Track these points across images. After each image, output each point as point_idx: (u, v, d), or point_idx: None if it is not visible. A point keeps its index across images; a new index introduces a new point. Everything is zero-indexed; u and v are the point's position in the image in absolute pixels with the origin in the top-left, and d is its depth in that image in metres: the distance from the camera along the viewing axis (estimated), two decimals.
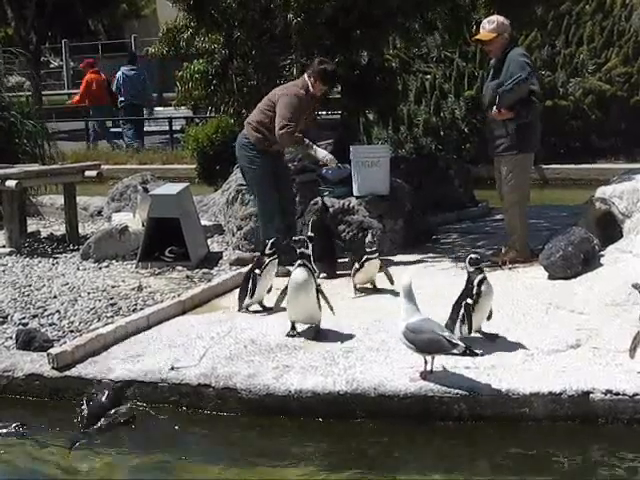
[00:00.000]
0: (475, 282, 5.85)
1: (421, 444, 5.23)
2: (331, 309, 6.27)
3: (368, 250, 7.19)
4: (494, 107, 7.55)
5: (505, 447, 5.13)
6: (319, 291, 6.22)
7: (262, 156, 8.00)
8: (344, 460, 5.08)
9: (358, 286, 7.29)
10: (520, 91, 7.47)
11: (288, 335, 6.24)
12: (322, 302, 6.22)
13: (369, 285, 7.32)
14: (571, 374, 5.41)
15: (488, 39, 7.66)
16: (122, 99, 19.67)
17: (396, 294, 6.56)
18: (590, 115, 15.09)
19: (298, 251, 6.31)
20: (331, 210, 8.42)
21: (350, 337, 6.19)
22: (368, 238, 7.44)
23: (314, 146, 8.06)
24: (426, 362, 5.45)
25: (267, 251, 6.90)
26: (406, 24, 9.97)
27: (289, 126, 7.73)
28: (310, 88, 7.95)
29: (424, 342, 5.34)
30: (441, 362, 5.52)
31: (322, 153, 8.08)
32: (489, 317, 5.98)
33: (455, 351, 5.31)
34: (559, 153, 14.46)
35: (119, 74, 19.74)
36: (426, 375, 5.44)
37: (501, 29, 7.62)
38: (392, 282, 7.05)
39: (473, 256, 5.97)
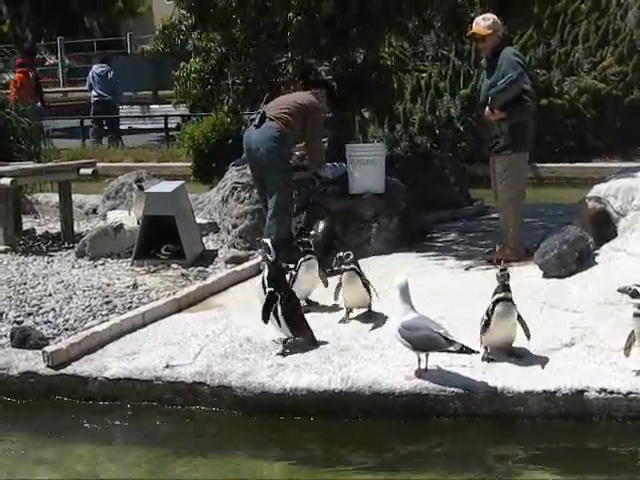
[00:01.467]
0: (493, 299, 5.69)
1: (416, 442, 5.24)
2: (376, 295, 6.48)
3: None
4: (487, 108, 7.57)
5: (500, 445, 5.15)
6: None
7: (290, 152, 8.17)
8: (340, 458, 5.10)
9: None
10: (512, 91, 7.47)
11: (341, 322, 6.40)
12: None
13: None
14: (565, 372, 5.43)
15: (484, 34, 7.68)
16: (95, 96, 20.01)
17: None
18: (585, 114, 15.10)
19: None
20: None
21: (345, 335, 6.19)
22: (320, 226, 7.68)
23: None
24: (420, 360, 5.46)
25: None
26: (403, 22, 9.98)
27: (319, 142, 8.14)
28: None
29: (420, 340, 5.35)
30: (436, 360, 5.54)
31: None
32: (527, 335, 5.72)
33: (452, 348, 5.31)
34: (554, 152, 14.46)
35: (90, 72, 20.21)
36: (421, 373, 5.45)
37: (496, 27, 7.65)
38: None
39: (498, 273, 5.71)
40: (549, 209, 10.23)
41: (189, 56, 10.19)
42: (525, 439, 5.21)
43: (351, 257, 6.49)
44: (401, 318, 5.39)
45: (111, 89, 19.98)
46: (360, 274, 6.48)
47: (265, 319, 5.99)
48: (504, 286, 5.64)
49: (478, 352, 5.55)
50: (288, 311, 5.98)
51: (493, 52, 7.66)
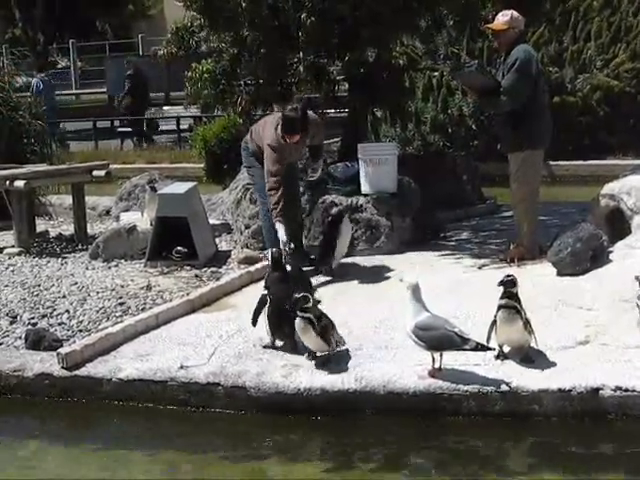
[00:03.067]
0: (497, 304, 5.65)
1: (430, 441, 5.23)
2: None
3: None
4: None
5: (516, 443, 5.14)
6: None
7: (261, 165, 7.84)
8: (354, 457, 5.09)
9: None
10: (469, 76, 7.78)
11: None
12: None
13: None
14: (580, 371, 5.41)
15: (499, 29, 7.66)
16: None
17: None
18: (598, 111, 15.04)
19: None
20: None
21: (358, 335, 6.18)
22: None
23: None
24: (434, 360, 5.45)
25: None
26: (415, 22, 9.96)
27: (274, 183, 7.47)
28: (281, 140, 7.60)
29: (435, 339, 5.34)
30: (450, 359, 5.53)
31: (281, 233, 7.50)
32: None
33: (467, 347, 5.31)
34: (567, 150, 14.41)
35: (34, 81, 19.66)
36: (435, 373, 5.44)
37: (514, 23, 7.62)
38: None
39: (505, 279, 5.67)
40: (563, 207, 10.20)
41: (201, 57, 10.20)
42: (540, 438, 5.19)
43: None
44: (414, 318, 5.37)
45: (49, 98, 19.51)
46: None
47: (254, 322, 6.12)
48: (507, 293, 5.59)
49: (494, 349, 5.54)
50: (274, 314, 6.01)
51: (509, 48, 7.64)
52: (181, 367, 5.83)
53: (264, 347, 6.05)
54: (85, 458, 5.35)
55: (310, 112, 7.96)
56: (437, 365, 5.45)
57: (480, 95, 7.90)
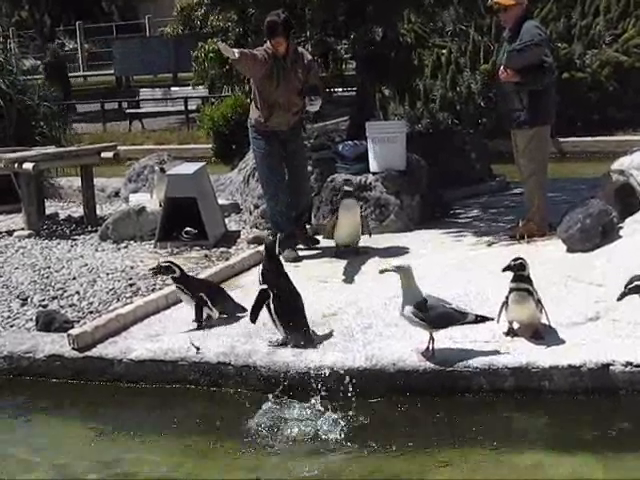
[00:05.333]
0: (509, 287, 5.61)
1: (442, 418, 5.24)
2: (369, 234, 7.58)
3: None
4: (501, 68, 7.52)
5: (527, 420, 5.14)
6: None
7: (262, 137, 7.80)
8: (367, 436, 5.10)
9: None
10: (531, 55, 7.39)
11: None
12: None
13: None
14: (591, 347, 5.40)
15: (507, 4, 7.61)
16: None
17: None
18: (607, 87, 14.95)
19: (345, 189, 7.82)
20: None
21: (368, 313, 6.19)
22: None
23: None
24: (431, 339, 5.45)
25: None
26: None
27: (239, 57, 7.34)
28: (269, 49, 7.58)
29: (437, 316, 5.35)
30: (460, 335, 5.53)
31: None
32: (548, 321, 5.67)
33: (467, 320, 5.37)
34: (577, 126, 14.35)
35: None
36: (431, 354, 5.44)
37: None
38: None
39: (512, 263, 5.60)
40: (572, 183, 10.17)
41: (208, 36, 10.18)
42: (551, 414, 5.19)
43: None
44: (412, 300, 5.36)
45: None
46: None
47: (253, 319, 5.88)
48: (518, 276, 5.55)
49: (492, 319, 5.55)
50: (280, 308, 5.79)
51: (515, 24, 7.59)
52: (193, 345, 5.83)
53: (276, 346, 5.76)
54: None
55: (305, 51, 7.99)
56: (432, 345, 5.46)
57: (521, 74, 7.64)
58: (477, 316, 5.42)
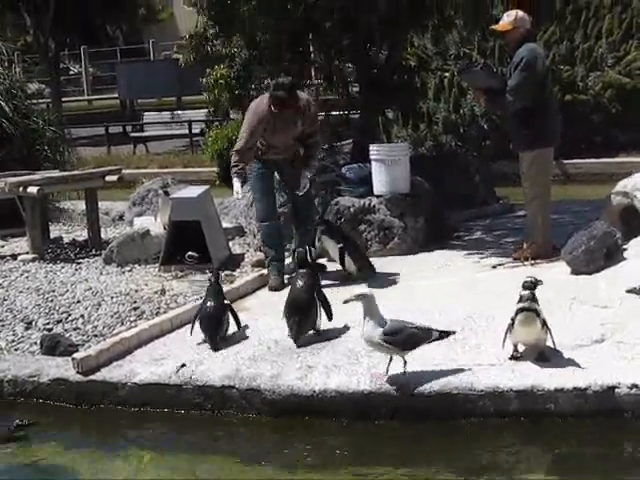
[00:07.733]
0: (516, 307, 5.57)
1: (446, 442, 5.22)
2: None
3: None
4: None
5: (531, 444, 5.12)
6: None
7: (257, 162, 7.77)
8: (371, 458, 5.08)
9: None
10: (474, 76, 7.89)
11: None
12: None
13: None
14: (596, 369, 5.38)
15: (504, 30, 7.73)
16: None
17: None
18: (610, 109, 15.00)
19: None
20: (352, 210, 8.37)
21: None
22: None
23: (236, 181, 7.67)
24: (390, 361, 5.45)
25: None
26: (425, 22, 9.97)
27: (239, 144, 7.55)
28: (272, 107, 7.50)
29: (405, 339, 5.37)
30: (465, 359, 5.52)
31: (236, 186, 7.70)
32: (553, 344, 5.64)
33: (433, 338, 5.44)
34: (580, 148, 14.38)
35: None
36: (383, 378, 5.45)
37: (519, 23, 7.64)
38: None
39: (527, 279, 5.59)
40: (576, 205, 10.17)
41: (215, 62, 10.23)
42: (556, 437, 5.17)
43: None
44: (377, 328, 5.34)
45: None
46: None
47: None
48: (529, 296, 5.51)
49: (455, 332, 5.62)
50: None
51: (516, 47, 7.65)
52: (183, 365, 5.86)
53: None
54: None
55: (302, 93, 7.87)
56: (386, 369, 5.48)
57: (486, 95, 7.89)
58: (441, 332, 5.48)
